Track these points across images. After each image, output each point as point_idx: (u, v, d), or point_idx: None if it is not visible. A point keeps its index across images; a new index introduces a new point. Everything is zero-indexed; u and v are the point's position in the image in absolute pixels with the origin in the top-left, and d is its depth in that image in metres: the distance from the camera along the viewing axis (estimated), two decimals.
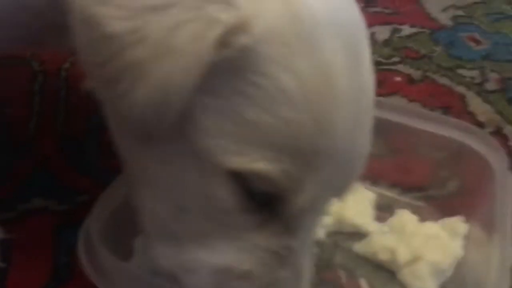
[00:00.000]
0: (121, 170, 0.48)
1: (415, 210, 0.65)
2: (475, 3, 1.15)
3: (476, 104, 0.85)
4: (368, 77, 0.41)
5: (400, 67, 0.94)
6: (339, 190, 0.43)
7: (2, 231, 0.59)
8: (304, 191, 0.38)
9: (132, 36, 0.34)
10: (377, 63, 0.95)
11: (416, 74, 0.92)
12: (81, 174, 0.68)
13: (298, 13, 0.36)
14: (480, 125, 0.81)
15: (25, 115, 0.77)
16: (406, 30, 1.04)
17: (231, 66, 0.35)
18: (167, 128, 0.37)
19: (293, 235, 0.41)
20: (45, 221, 0.62)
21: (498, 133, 0.80)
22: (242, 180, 0.38)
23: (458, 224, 0.62)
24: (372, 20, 1.06)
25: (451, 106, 0.85)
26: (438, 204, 0.66)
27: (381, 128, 0.55)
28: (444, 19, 1.09)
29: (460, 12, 1.11)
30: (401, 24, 1.06)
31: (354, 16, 0.42)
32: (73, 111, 0.78)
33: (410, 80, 0.91)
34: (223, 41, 0.34)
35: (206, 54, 0.33)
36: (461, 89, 0.89)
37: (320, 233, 0.62)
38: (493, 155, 0.60)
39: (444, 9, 1.12)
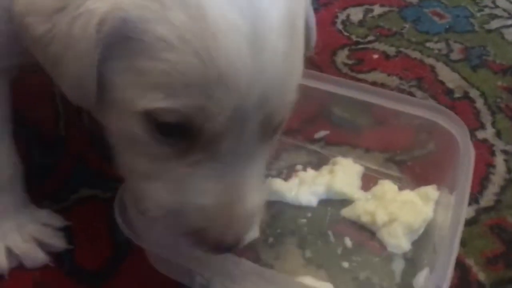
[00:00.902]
0: None
1: (395, 181, 0.75)
2: None
3: (445, 73, 0.97)
4: (268, 4, 0.45)
5: (376, 45, 1.05)
6: (257, 113, 0.46)
7: (61, 219, 0.69)
8: (210, 117, 0.44)
9: (48, 35, 0.46)
10: (355, 43, 1.08)
11: (390, 50, 1.04)
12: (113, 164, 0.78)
13: None
14: (450, 91, 0.93)
15: (53, 117, 0.86)
16: (377, 9, 1.15)
17: (119, 36, 0.44)
18: (97, 96, 0.48)
19: (212, 157, 0.47)
20: (97, 207, 0.72)
21: (465, 97, 0.92)
22: (153, 118, 0.46)
23: (431, 191, 0.72)
24: (346, 3, 1.17)
25: (424, 76, 0.97)
26: (416, 175, 0.76)
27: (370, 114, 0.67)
28: None
29: None
30: (372, 4, 1.17)
31: None
32: None
33: (386, 56, 1.02)
34: (102, 23, 0.44)
35: (93, 36, 0.44)
36: (430, 60, 1.01)
37: (313, 201, 0.73)
38: (459, 131, 0.70)
39: None
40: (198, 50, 0.43)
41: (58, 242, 0.66)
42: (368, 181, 0.76)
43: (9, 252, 0.64)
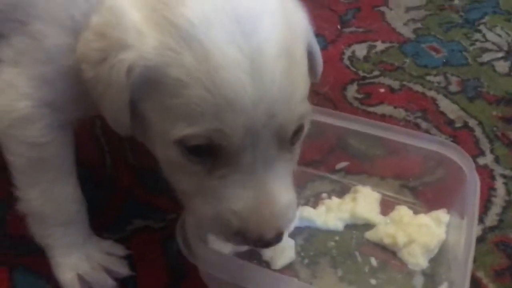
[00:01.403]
0: None
1: (410, 206, 0.85)
2: (428, 15, 1.39)
3: (445, 105, 1.08)
4: (264, 38, 0.55)
5: (381, 79, 1.16)
6: (267, 128, 0.56)
7: (123, 248, 0.78)
8: (227, 136, 0.55)
9: (94, 79, 0.58)
10: (363, 78, 1.19)
11: (394, 84, 1.15)
12: (161, 197, 0.88)
13: (176, 24, 0.54)
14: (451, 121, 1.04)
15: (99, 156, 0.96)
16: (380, 45, 1.26)
17: (146, 80, 0.56)
18: (133, 127, 0.60)
19: (236, 170, 0.57)
20: (151, 236, 0.82)
21: (465, 126, 1.03)
22: (184, 144, 0.56)
23: (442, 215, 0.82)
24: (351, 40, 1.29)
25: (427, 108, 1.08)
26: (427, 200, 0.86)
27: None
28: (407, 32, 1.31)
29: (418, 25, 1.34)
30: (374, 41, 1.28)
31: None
32: (138, 146, 0.97)
33: (391, 90, 1.13)
34: (130, 71, 0.55)
35: (123, 82, 0.56)
36: (432, 93, 1.12)
37: (340, 226, 0.83)
38: (465, 162, 0.81)
39: (405, 23, 1.35)
40: (206, 84, 0.53)
41: (122, 269, 0.75)
42: (386, 207, 0.86)
43: (81, 279, 0.73)
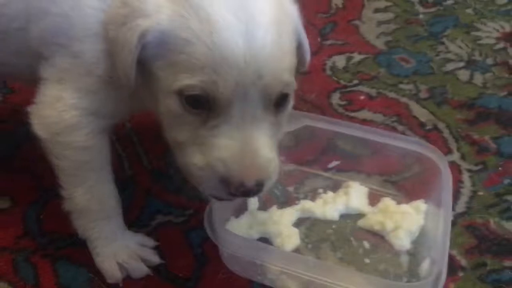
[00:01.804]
0: None
1: (393, 198, 1.00)
2: (397, 28, 1.54)
3: (417, 110, 1.24)
4: (258, 9, 0.68)
5: (360, 87, 1.30)
6: (255, 86, 0.67)
7: (152, 240, 0.90)
8: (220, 87, 0.66)
9: (115, 39, 0.72)
10: (344, 87, 1.34)
11: (372, 91, 1.29)
12: (178, 195, 1.00)
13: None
14: (423, 124, 1.20)
15: (117, 161, 1.06)
16: (356, 57, 1.41)
17: (158, 42, 0.69)
18: (148, 89, 0.73)
19: (226, 121, 0.68)
20: (174, 229, 0.94)
21: (435, 128, 1.18)
22: (183, 93, 0.68)
23: (420, 204, 0.96)
24: (331, 51, 1.43)
25: (401, 113, 1.23)
26: (407, 192, 1.00)
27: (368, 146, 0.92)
28: (380, 44, 1.46)
29: (389, 38, 1.50)
30: (351, 52, 1.42)
31: None
32: (150, 150, 1.09)
33: (370, 97, 1.28)
34: (144, 34, 0.69)
35: (134, 43, 0.69)
36: (404, 99, 1.27)
37: (335, 216, 0.97)
38: (439, 159, 0.96)
39: (377, 36, 1.51)
40: (207, 43, 0.66)
41: (154, 258, 0.87)
42: (373, 199, 1.01)
43: (121, 266, 0.85)
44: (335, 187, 1.03)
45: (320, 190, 1.02)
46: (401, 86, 1.32)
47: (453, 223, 0.97)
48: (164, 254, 0.89)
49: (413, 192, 1.00)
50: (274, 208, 0.97)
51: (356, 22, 1.56)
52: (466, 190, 1.04)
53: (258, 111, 0.69)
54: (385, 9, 1.63)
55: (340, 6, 1.62)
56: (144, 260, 0.86)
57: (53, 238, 0.91)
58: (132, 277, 0.86)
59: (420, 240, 0.93)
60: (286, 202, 0.99)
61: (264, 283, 0.84)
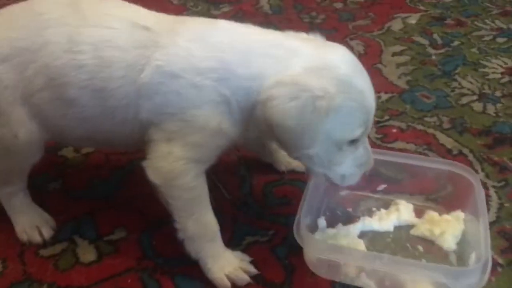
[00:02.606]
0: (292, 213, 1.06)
1: (435, 211, 1.20)
2: (415, 69, 1.79)
3: (443, 138, 1.46)
4: (369, 83, 1.02)
5: (391, 122, 1.53)
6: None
7: (248, 256, 1.10)
8: (368, 129, 1.00)
9: (301, 118, 0.96)
10: (377, 122, 1.57)
11: (402, 125, 1.53)
12: (259, 219, 1.21)
13: (342, 79, 0.97)
14: (450, 150, 1.42)
15: None
16: (383, 96, 1.65)
17: (336, 112, 0.95)
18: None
19: (363, 143, 1.04)
20: (262, 247, 1.14)
21: (460, 153, 1.41)
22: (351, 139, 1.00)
23: (459, 214, 1.16)
24: None
25: (430, 142, 1.45)
26: (446, 206, 1.22)
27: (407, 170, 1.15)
28: (402, 84, 1.71)
29: (409, 77, 1.74)
30: (379, 92, 1.66)
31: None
32: (227, 183, 1.30)
33: (401, 130, 1.51)
34: (327, 111, 0.94)
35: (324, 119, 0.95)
36: (431, 130, 1.50)
37: (391, 228, 1.18)
38: (471, 175, 1.17)
39: (399, 77, 1.75)
40: (366, 102, 0.99)
41: (252, 269, 1.08)
42: (418, 213, 1.22)
43: (228, 277, 1.05)
44: (385, 205, 1.24)
45: (374, 209, 1.23)
46: (426, 119, 1.54)
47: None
48: (258, 266, 1.09)
49: (451, 205, 1.22)
50: (340, 225, 1.18)
51: (378, 65, 1.80)
52: (494, 203, 1.26)
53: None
54: (401, 53, 1.88)
55: (362, 52, 1.87)
56: (245, 271, 1.06)
57: (167, 259, 1.12)
58: (237, 285, 1.06)
59: (463, 242, 1.14)
60: (348, 220, 1.20)
61: (346, 282, 1.05)
